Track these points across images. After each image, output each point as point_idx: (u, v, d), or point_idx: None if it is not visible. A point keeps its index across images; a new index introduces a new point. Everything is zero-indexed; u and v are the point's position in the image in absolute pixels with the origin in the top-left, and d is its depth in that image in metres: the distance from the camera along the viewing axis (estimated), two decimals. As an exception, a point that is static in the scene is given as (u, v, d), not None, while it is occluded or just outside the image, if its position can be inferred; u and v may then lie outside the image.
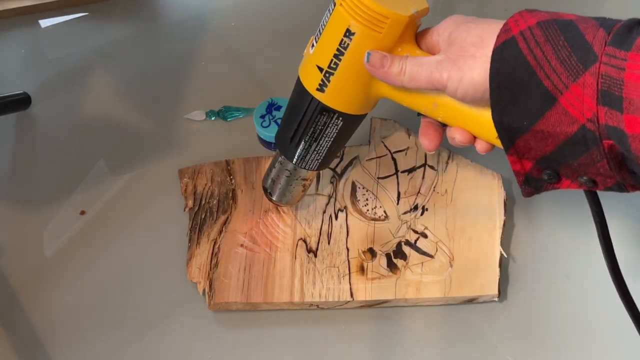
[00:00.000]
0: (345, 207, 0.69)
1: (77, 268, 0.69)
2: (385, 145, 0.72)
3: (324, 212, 0.69)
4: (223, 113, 0.79)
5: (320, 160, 0.58)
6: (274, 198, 0.64)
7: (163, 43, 0.88)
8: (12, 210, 0.74)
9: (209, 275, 0.66)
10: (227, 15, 0.90)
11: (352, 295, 0.64)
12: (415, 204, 0.68)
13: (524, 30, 0.42)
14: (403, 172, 0.70)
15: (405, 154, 0.71)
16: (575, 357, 0.62)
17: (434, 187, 0.69)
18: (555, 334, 0.63)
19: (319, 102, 0.53)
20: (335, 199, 0.70)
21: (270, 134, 0.73)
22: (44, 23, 0.90)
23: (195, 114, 0.79)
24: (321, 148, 0.57)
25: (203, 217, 0.70)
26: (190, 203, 0.71)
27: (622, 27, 0.39)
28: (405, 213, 0.68)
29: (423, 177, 0.70)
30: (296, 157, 0.58)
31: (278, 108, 0.75)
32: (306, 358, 0.63)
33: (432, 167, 0.70)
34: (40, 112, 0.81)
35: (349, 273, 0.65)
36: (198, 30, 0.89)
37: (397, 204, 0.69)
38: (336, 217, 0.68)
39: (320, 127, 0.55)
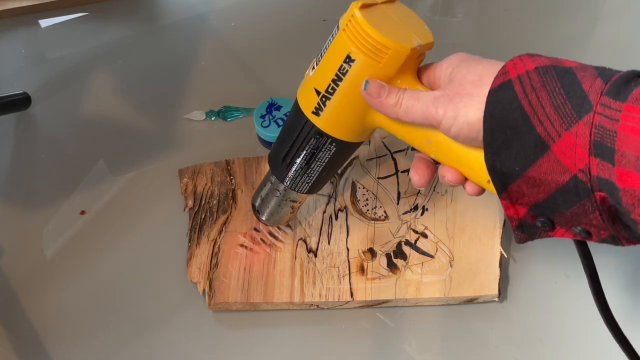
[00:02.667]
0: (346, 207, 0.69)
1: (77, 268, 0.69)
2: (385, 145, 0.72)
3: (324, 212, 0.69)
4: (223, 113, 0.79)
5: (311, 184, 0.58)
6: (262, 217, 0.63)
7: (163, 43, 0.88)
8: (12, 210, 0.74)
9: (209, 275, 0.66)
10: (227, 15, 0.90)
11: (352, 295, 0.64)
12: (415, 204, 0.68)
13: (521, 74, 0.41)
14: (403, 172, 0.70)
15: (405, 154, 0.71)
16: (575, 357, 0.62)
17: (434, 187, 0.69)
18: (555, 334, 0.63)
19: (314, 125, 0.52)
20: (335, 199, 0.70)
21: (270, 134, 0.73)
22: (44, 23, 0.91)
23: (195, 114, 0.79)
24: (313, 172, 0.56)
25: (203, 217, 0.70)
26: (190, 203, 0.71)
27: (620, 78, 0.38)
28: (405, 213, 0.68)
29: (423, 177, 0.70)
30: (287, 178, 0.57)
31: (278, 108, 0.75)
32: (306, 358, 0.63)
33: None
34: (40, 112, 0.81)
35: (349, 273, 0.65)
36: (198, 30, 0.89)
37: (397, 204, 0.69)
38: (336, 217, 0.68)
39: (313, 150, 0.54)
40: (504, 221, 0.66)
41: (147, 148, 0.78)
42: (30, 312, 0.66)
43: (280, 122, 0.73)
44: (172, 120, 0.80)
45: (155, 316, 0.66)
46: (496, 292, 0.63)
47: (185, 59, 0.86)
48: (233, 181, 0.72)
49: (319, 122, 0.52)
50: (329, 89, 0.50)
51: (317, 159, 0.55)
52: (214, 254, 0.67)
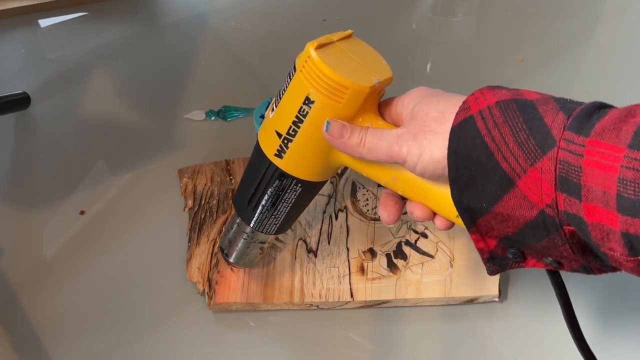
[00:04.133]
0: (346, 207, 0.69)
1: (77, 268, 0.69)
2: (385, 145, 0.72)
3: (324, 212, 0.69)
4: (223, 113, 0.79)
5: (278, 225, 0.57)
6: (230, 260, 0.62)
7: (163, 43, 0.88)
8: (12, 210, 0.74)
9: (208, 275, 0.66)
10: (227, 15, 0.90)
11: (352, 295, 0.64)
12: (415, 204, 0.68)
13: (482, 109, 0.41)
14: (403, 172, 0.70)
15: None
16: (575, 357, 0.62)
17: (434, 187, 0.69)
18: (555, 334, 0.63)
19: (277, 167, 0.51)
20: (335, 199, 0.70)
21: None
22: (44, 23, 0.91)
23: (195, 113, 0.79)
24: (279, 213, 0.55)
25: (203, 217, 0.70)
26: (190, 203, 0.71)
27: (581, 112, 0.38)
28: (405, 213, 0.68)
29: (423, 177, 0.70)
30: (253, 221, 0.56)
31: None
32: (306, 358, 0.63)
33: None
34: (40, 112, 0.81)
35: (349, 273, 0.65)
36: (198, 30, 0.89)
37: (397, 204, 0.69)
38: (336, 217, 0.68)
39: (278, 192, 0.53)
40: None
41: (147, 148, 0.78)
42: (30, 312, 0.66)
43: None
44: (172, 120, 0.80)
45: (155, 316, 0.66)
46: (496, 292, 0.63)
47: (185, 59, 0.86)
48: (233, 181, 0.72)
49: (282, 164, 0.51)
50: (290, 131, 0.49)
51: (283, 200, 0.54)
52: (213, 254, 0.67)
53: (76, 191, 0.74)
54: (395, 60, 0.84)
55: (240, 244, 0.60)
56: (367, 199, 0.69)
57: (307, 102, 0.47)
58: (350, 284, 0.64)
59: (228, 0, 0.92)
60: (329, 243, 0.67)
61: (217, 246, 0.67)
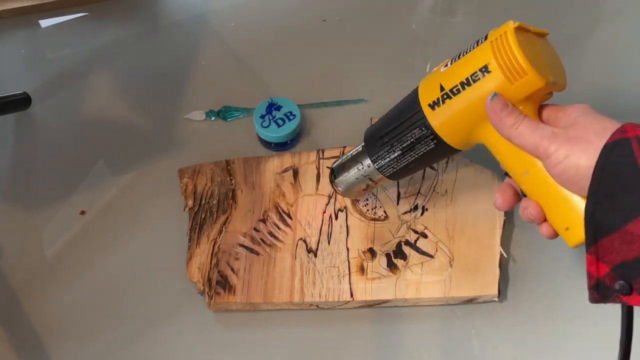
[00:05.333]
0: (345, 207, 0.69)
1: (77, 268, 0.69)
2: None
3: (324, 212, 0.69)
4: (223, 113, 0.79)
5: (396, 170, 0.58)
6: (335, 181, 0.63)
7: (163, 43, 0.88)
8: (12, 210, 0.74)
9: (209, 275, 0.66)
10: (227, 15, 0.90)
11: (352, 295, 0.64)
12: (415, 204, 0.68)
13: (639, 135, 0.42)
14: (403, 172, 0.70)
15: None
16: (575, 357, 0.62)
17: (434, 187, 0.69)
18: (555, 334, 0.63)
19: (425, 117, 0.53)
20: (335, 199, 0.70)
21: (270, 134, 0.73)
22: (44, 23, 0.91)
23: (195, 114, 0.79)
24: (403, 159, 0.57)
25: (203, 217, 0.70)
26: (190, 203, 0.71)
27: None
28: (405, 213, 0.68)
29: (423, 177, 0.70)
30: (376, 155, 0.58)
31: (278, 108, 0.75)
32: (306, 358, 0.63)
33: (432, 167, 0.70)
34: (40, 112, 0.81)
35: (349, 273, 0.65)
36: (198, 30, 0.89)
37: (397, 204, 0.69)
38: (336, 217, 0.68)
39: (413, 139, 0.55)
40: (504, 221, 0.66)
41: (147, 148, 0.78)
42: (30, 312, 0.66)
43: (280, 122, 0.73)
44: (172, 120, 0.80)
45: (155, 316, 0.66)
46: (496, 292, 0.63)
47: (185, 59, 0.86)
48: (233, 181, 0.72)
49: (431, 115, 0.53)
50: (454, 89, 0.51)
51: (413, 149, 0.55)
52: (214, 254, 0.67)
53: (76, 191, 0.74)
54: (395, 60, 0.85)
55: (351, 170, 0.61)
56: (367, 199, 0.69)
57: (484, 69, 0.49)
58: (350, 283, 0.64)
59: (228, 1, 0.92)
60: (329, 243, 0.67)
61: (217, 246, 0.67)
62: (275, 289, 0.64)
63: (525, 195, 0.52)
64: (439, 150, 0.55)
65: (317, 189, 0.70)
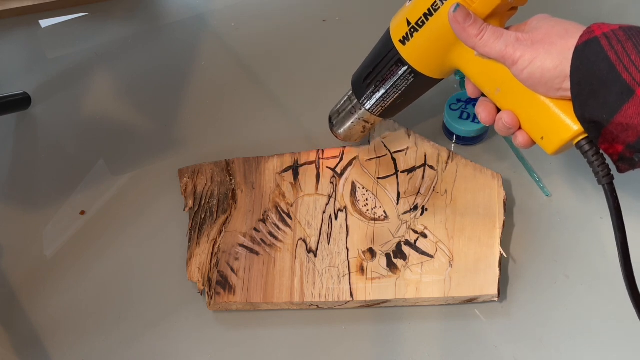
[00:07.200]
0: (345, 207, 0.69)
1: (77, 268, 0.69)
2: (385, 145, 0.72)
3: (324, 212, 0.69)
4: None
5: (385, 108, 0.62)
6: (335, 129, 0.67)
7: (163, 43, 0.88)
8: (12, 210, 0.74)
9: (209, 275, 0.66)
10: (227, 15, 0.90)
11: (352, 295, 0.64)
12: (415, 204, 0.68)
13: (606, 32, 0.44)
14: (403, 172, 0.70)
15: (405, 154, 0.71)
16: (575, 357, 0.62)
17: (434, 187, 0.69)
18: (555, 334, 0.63)
19: (398, 53, 0.56)
20: (335, 199, 0.70)
21: (462, 127, 0.72)
22: (44, 23, 0.91)
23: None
24: (388, 97, 0.60)
25: (203, 217, 0.70)
26: (190, 203, 0.71)
27: None
28: (405, 213, 0.68)
29: (423, 177, 0.70)
30: (364, 97, 0.62)
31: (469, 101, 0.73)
32: (306, 358, 0.63)
33: (432, 167, 0.70)
34: (40, 112, 0.82)
35: (349, 273, 0.65)
36: (198, 30, 0.89)
37: (397, 204, 0.69)
38: (336, 217, 0.68)
39: (392, 76, 0.58)
40: (504, 221, 0.66)
41: (147, 148, 0.78)
42: (30, 312, 0.66)
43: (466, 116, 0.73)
44: (172, 120, 0.80)
45: (155, 316, 0.66)
46: (496, 292, 0.63)
47: (185, 59, 0.86)
48: (233, 181, 0.72)
49: (403, 50, 0.56)
50: (419, 22, 0.53)
51: (394, 86, 0.59)
52: (214, 254, 0.67)
53: (76, 191, 0.74)
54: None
55: (346, 116, 0.65)
56: (366, 199, 0.69)
57: None
58: (350, 283, 0.64)
59: (228, 1, 0.92)
60: (328, 243, 0.67)
61: (217, 246, 0.67)
62: (275, 289, 0.64)
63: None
64: (420, 83, 0.58)
65: (317, 189, 0.70)
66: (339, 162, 0.72)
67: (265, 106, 0.80)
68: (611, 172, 0.48)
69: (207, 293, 0.65)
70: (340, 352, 0.63)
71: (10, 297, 0.67)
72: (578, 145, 0.49)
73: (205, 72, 0.84)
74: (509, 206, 0.69)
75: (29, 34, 0.89)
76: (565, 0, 0.89)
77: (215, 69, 0.85)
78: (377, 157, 0.72)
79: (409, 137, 0.72)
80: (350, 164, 0.71)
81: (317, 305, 0.65)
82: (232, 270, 0.66)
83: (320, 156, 0.72)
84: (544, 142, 0.51)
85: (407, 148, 0.72)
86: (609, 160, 0.49)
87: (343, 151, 0.72)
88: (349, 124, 0.66)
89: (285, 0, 0.91)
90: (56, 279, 0.68)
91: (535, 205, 0.70)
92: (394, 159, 0.71)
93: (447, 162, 0.70)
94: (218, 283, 0.65)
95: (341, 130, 0.67)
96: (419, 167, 0.70)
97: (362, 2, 0.91)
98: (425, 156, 0.71)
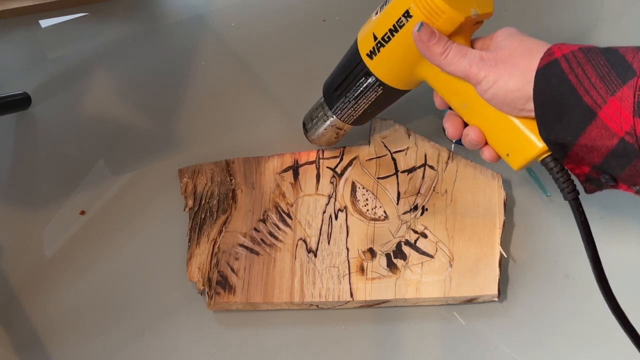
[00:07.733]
0: (345, 207, 0.69)
1: (77, 268, 0.69)
2: (385, 145, 0.72)
3: (324, 212, 0.69)
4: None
5: (356, 117, 0.63)
6: (308, 133, 0.68)
7: (163, 43, 0.88)
8: (12, 210, 0.74)
9: (209, 275, 0.66)
10: (227, 16, 0.90)
11: (352, 295, 0.64)
12: (415, 204, 0.68)
13: (566, 53, 0.44)
14: (403, 172, 0.70)
15: (405, 154, 0.71)
16: (575, 357, 0.62)
17: (434, 187, 0.69)
18: (555, 334, 0.63)
19: (366, 66, 0.57)
20: (335, 199, 0.70)
21: None
22: (44, 23, 0.90)
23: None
24: (359, 107, 0.61)
25: (203, 217, 0.70)
26: (190, 203, 0.71)
27: None
28: (405, 213, 0.68)
29: (423, 177, 0.70)
30: (335, 107, 0.63)
31: None
32: (306, 358, 0.63)
33: (432, 167, 0.70)
34: (40, 112, 0.81)
35: (349, 273, 0.65)
36: (198, 30, 0.89)
37: (397, 204, 0.69)
38: (336, 217, 0.68)
39: (361, 88, 0.59)
40: (504, 221, 0.66)
41: (147, 148, 0.78)
42: (30, 312, 0.66)
43: None
44: (172, 120, 0.80)
45: (155, 316, 0.66)
46: (496, 292, 0.63)
47: (185, 59, 0.86)
48: (233, 181, 0.72)
49: (370, 64, 0.57)
50: (385, 37, 0.54)
51: (364, 97, 0.60)
52: (214, 254, 0.67)
53: (76, 191, 0.74)
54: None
55: (318, 122, 0.66)
56: (366, 199, 0.69)
57: (406, 14, 0.52)
58: (350, 283, 0.64)
59: (228, 1, 0.92)
60: (328, 243, 0.67)
61: (217, 246, 0.67)
62: (275, 289, 0.64)
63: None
64: (389, 94, 0.59)
65: (317, 189, 0.70)
66: (339, 162, 0.72)
67: (265, 106, 0.80)
68: (576, 188, 0.48)
69: (207, 293, 0.65)
70: (340, 352, 0.63)
71: (10, 297, 0.67)
72: (543, 162, 0.49)
73: (205, 72, 0.84)
74: (509, 206, 0.69)
75: (29, 34, 0.89)
76: (567, 0, 0.89)
77: (215, 69, 0.84)
78: (377, 157, 0.72)
79: (409, 137, 0.72)
80: (350, 164, 0.71)
81: (317, 305, 0.65)
82: (232, 270, 0.66)
83: (320, 156, 0.72)
84: (509, 159, 0.51)
85: (407, 148, 0.72)
86: (574, 176, 0.49)
87: (343, 151, 0.72)
88: (321, 130, 0.66)
89: (285, 0, 0.91)
90: (56, 279, 0.68)
91: (535, 205, 0.70)
92: (394, 159, 0.71)
93: (447, 162, 0.70)
94: (218, 283, 0.65)
95: (315, 136, 0.67)
96: (419, 167, 0.70)
97: (362, 2, 0.90)
98: (426, 156, 0.71)
